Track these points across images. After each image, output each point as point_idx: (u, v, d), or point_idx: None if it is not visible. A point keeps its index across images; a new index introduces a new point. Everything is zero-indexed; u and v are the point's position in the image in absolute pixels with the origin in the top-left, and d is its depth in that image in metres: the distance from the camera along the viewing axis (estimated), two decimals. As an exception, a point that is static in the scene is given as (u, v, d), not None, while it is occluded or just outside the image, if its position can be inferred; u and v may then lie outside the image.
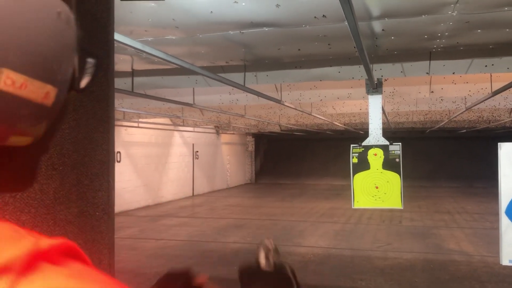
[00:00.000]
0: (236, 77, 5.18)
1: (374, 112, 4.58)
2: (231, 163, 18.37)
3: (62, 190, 1.12)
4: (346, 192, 13.72)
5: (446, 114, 10.43)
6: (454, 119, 10.84)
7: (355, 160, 4.55)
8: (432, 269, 6.01)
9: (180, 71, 5.12)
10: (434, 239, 7.81)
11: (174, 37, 3.56)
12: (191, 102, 6.69)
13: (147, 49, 2.93)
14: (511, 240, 3.39)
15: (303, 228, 9.11)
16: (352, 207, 4.49)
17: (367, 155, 4.54)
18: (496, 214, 3.64)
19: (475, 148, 18.09)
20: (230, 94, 7.16)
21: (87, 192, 1.21)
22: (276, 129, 15.01)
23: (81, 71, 0.46)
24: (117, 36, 2.60)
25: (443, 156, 18.64)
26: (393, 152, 4.48)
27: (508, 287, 5.16)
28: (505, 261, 3.31)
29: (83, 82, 0.47)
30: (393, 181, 4.44)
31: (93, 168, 1.24)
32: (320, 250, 7.13)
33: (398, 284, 5.34)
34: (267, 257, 0.87)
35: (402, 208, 4.41)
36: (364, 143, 4.49)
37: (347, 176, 6.10)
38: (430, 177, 17.99)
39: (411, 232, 8.50)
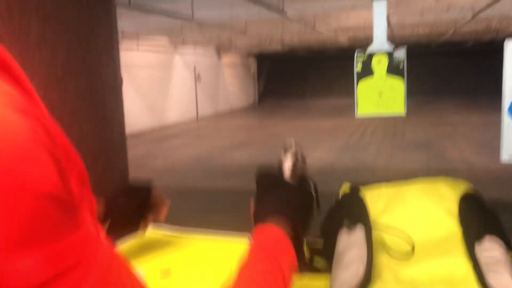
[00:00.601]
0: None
1: (378, 18, 4.46)
2: (233, 85, 18.27)
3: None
4: (349, 110, 13.69)
5: (453, 25, 10.14)
6: (461, 30, 10.56)
7: (359, 68, 4.50)
8: (434, 175, 6.16)
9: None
10: (437, 150, 7.93)
11: None
12: (190, 16, 6.52)
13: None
14: (511, 138, 3.44)
15: (307, 144, 9.24)
16: (355, 116, 4.51)
17: (371, 62, 4.49)
18: (499, 125, 3.66)
19: (480, 63, 17.82)
20: (229, 8, 6.95)
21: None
22: (279, 48, 14.74)
23: None
24: None
25: (448, 71, 18.42)
26: (398, 57, 4.41)
27: (508, 187, 5.31)
28: (505, 157, 3.37)
29: None
30: (397, 87, 4.42)
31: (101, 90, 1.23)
32: (325, 163, 7.28)
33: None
34: (293, 168, 0.77)
35: (405, 114, 4.43)
36: (368, 49, 4.42)
37: (350, 95, 6.03)
38: (434, 92, 17.91)
39: (414, 144, 8.62)
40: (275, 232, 0.65)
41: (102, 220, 0.87)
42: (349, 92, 8.73)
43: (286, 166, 0.76)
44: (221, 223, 1.38)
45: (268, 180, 0.76)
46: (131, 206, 0.93)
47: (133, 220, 0.94)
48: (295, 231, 0.67)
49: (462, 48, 16.73)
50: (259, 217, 0.69)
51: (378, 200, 0.94)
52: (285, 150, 0.78)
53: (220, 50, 15.91)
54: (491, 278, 0.71)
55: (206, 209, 4.59)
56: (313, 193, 0.76)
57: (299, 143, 0.81)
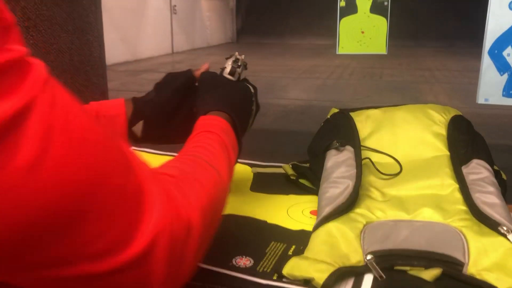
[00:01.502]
0: None
1: (365, -49, 4.32)
2: (211, 20, 17.74)
3: None
4: (328, 50, 13.56)
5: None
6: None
7: (342, 3, 4.40)
8: (408, 118, 6.25)
9: None
10: (413, 93, 8.00)
11: None
12: None
13: None
14: (489, 79, 3.47)
15: (285, 83, 9.18)
16: (336, 52, 4.46)
17: (355, -2, 4.39)
18: (476, 71, 3.66)
19: (461, 8, 17.71)
20: None
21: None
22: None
23: None
24: None
25: (428, 16, 18.27)
26: (382, -6, 4.33)
27: (481, 131, 5.43)
28: (481, 100, 3.42)
29: None
30: (380, 25, 4.37)
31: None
32: (302, 102, 7.28)
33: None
34: (234, 66, 0.83)
35: (385, 53, 4.40)
36: (352, -15, 4.31)
37: (330, 36, 5.96)
38: (414, 37, 17.84)
39: (391, 86, 8.66)
40: (217, 119, 0.68)
41: (132, 123, 0.78)
42: (329, 32, 8.59)
43: (227, 69, 0.82)
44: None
45: (209, 80, 0.80)
46: (165, 100, 0.80)
47: (171, 118, 0.81)
48: (235, 122, 0.70)
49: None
50: (201, 112, 0.70)
51: (366, 122, 0.93)
52: (227, 58, 0.84)
53: (198, -18, 15.30)
54: (476, 198, 0.71)
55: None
56: (253, 94, 0.81)
57: (243, 54, 0.86)
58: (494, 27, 3.37)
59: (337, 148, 0.83)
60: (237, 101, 0.75)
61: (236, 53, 0.85)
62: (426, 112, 0.92)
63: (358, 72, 10.10)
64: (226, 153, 0.61)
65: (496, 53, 3.41)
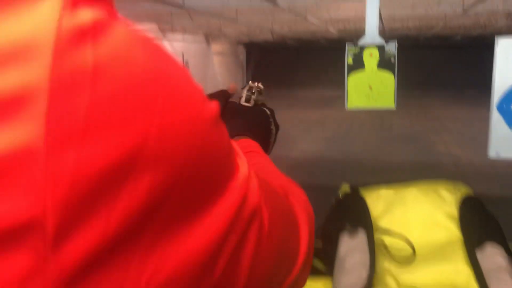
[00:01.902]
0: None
1: (371, 10, 4.43)
2: (222, 73, 18.17)
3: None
4: (337, 101, 13.69)
5: (442, 19, 10.18)
6: (450, 24, 10.61)
7: (350, 61, 4.48)
8: (421, 169, 6.21)
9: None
10: (424, 144, 8.00)
11: None
12: (181, 4, 6.43)
13: None
14: (500, 134, 3.46)
15: (295, 134, 9.25)
16: (346, 108, 4.51)
17: (362, 55, 4.47)
18: (486, 120, 3.66)
19: (468, 57, 17.96)
20: (221, -4, 6.87)
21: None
22: (269, 37, 14.66)
23: None
24: None
25: (436, 65, 18.54)
26: (389, 51, 4.41)
27: (491, 184, 5.38)
28: (492, 154, 3.40)
29: None
30: (387, 81, 4.41)
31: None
32: (312, 154, 7.31)
33: (386, 183, 5.53)
34: (248, 93, 0.89)
35: (394, 108, 4.44)
36: (360, 42, 4.40)
37: (339, 86, 6.01)
38: (422, 86, 18.02)
39: (401, 137, 8.68)
40: (247, 140, 0.73)
41: None
42: (338, 83, 8.71)
43: (243, 97, 0.89)
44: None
45: (229, 109, 0.85)
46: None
47: None
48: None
49: (451, 42, 16.84)
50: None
51: (378, 202, 0.93)
52: (243, 88, 0.91)
53: (209, 37, 15.79)
54: (493, 286, 0.70)
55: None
56: (269, 113, 0.88)
57: (258, 83, 0.93)
58: (501, 82, 3.39)
59: (349, 231, 0.83)
60: (255, 125, 0.81)
61: (250, 82, 0.92)
62: (437, 191, 0.92)
63: (368, 123, 10.16)
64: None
65: (505, 108, 3.42)
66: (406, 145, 7.92)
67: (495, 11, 8.59)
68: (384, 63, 4.36)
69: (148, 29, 11.95)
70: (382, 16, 8.98)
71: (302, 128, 10.11)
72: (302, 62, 19.84)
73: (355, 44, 4.31)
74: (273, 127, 0.86)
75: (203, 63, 16.38)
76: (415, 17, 10.10)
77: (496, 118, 3.49)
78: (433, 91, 17.70)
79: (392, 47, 4.29)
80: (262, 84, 0.94)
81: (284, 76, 20.05)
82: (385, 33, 12.94)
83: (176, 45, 14.17)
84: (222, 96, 0.87)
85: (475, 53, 17.31)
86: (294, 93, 19.42)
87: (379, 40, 4.25)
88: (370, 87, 4.44)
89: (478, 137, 8.52)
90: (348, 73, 4.47)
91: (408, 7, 8.48)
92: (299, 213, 0.49)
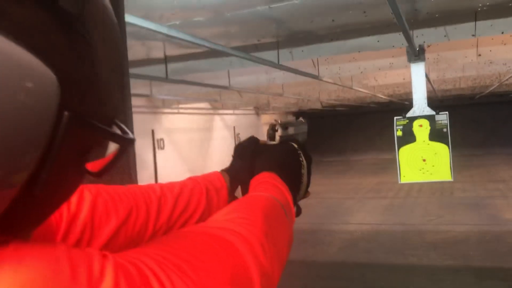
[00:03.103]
0: (270, 55, 5.03)
1: (417, 81, 4.33)
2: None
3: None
4: (393, 165, 13.30)
5: (496, 78, 9.85)
6: (506, 82, 10.23)
7: (399, 133, 4.34)
8: (487, 241, 5.74)
9: (213, 53, 5.04)
10: (489, 210, 7.47)
11: (202, 18, 3.47)
12: (227, 84, 6.61)
13: (173, 32, 2.85)
14: None
15: (349, 205, 8.95)
16: (399, 182, 4.30)
17: (412, 127, 4.31)
18: None
19: (529, 112, 17.17)
20: (266, 73, 7.02)
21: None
22: (317, 106, 14.75)
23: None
24: (139, 21, 2.53)
25: (495, 122, 17.78)
26: (440, 122, 4.23)
27: None
28: None
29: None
30: (442, 152, 4.21)
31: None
32: (369, 227, 6.97)
33: (452, 259, 5.13)
34: (271, 132, 0.94)
35: (452, 180, 4.18)
36: (408, 115, 4.27)
37: (393, 150, 5.84)
38: (482, 145, 17.24)
39: (463, 203, 8.17)
40: (269, 175, 0.78)
41: (233, 191, 0.90)
42: (392, 147, 8.51)
43: (266, 135, 0.94)
44: None
45: (258, 150, 0.91)
46: (247, 163, 0.92)
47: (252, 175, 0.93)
48: (284, 180, 0.79)
49: (508, 98, 16.20)
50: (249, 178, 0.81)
51: None
52: (268, 129, 0.95)
53: (258, 110, 16.11)
54: None
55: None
56: (297, 148, 0.89)
57: (279, 120, 0.97)
58: None
59: None
60: (281, 159, 0.85)
61: (273, 121, 0.97)
62: None
63: (427, 189, 9.70)
64: (276, 191, 0.72)
65: None
66: (470, 212, 7.43)
67: (553, 66, 8.21)
68: (436, 134, 4.18)
69: (200, 107, 12.39)
70: (432, 79, 8.81)
71: (356, 197, 9.80)
72: (353, 127, 19.70)
73: (404, 116, 4.18)
74: (302, 158, 0.88)
75: (254, 134, 16.56)
76: (467, 77, 9.85)
77: None
78: (494, 150, 16.86)
79: (443, 118, 4.12)
80: (284, 120, 0.98)
81: (336, 142, 19.91)
82: (437, 95, 12.67)
83: (227, 118, 14.53)
84: (251, 141, 0.95)
85: (537, 108, 16.53)
86: (348, 159, 19.15)
87: (429, 111, 4.10)
88: (424, 160, 4.24)
89: (550, 200, 7.89)
90: (398, 146, 4.31)
91: (457, 70, 8.29)
92: (247, 259, 0.47)
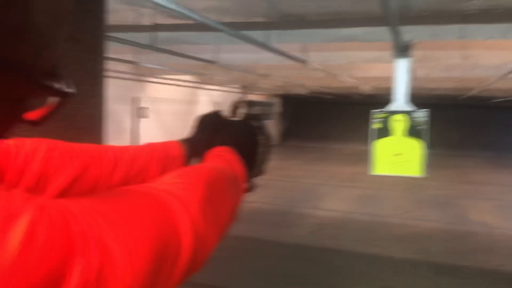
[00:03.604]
0: (260, 35, 5.03)
1: (400, 77, 4.41)
2: (257, 123, 18.33)
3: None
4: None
5: (480, 82, 10.02)
6: (488, 87, 10.41)
7: (376, 126, 4.43)
8: (450, 239, 5.93)
9: (203, 27, 5.02)
10: (456, 210, 7.68)
11: (194, -9, 3.46)
12: (215, 59, 6.60)
13: (163, 2, 2.85)
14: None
15: (323, 191, 9.09)
16: (369, 173, 4.41)
17: (390, 121, 4.40)
18: None
19: (508, 119, 17.51)
20: (254, 53, 7.01)
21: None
22: (303, 91, 14.80)
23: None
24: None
25: (475, 125, 18.12)
26: (418, 119, 4.32)
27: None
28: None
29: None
30: (416, 148, 4.31)
31: (80, 122, 1.20)
32: (339, 214, 7.12)
33: (413, 253, 5.29)
34: (235, 108, 0.96)
35: (422, 176, 4.30)
36: (387, 109, 4.35)
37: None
38: (459, 146, 17.58)
39: (433, 201, 8.38)
40: (224, 150, 0.81)
41: (189, 160, 0.92)
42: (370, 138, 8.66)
43: (230, 111, 0.95)
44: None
45: (207, 120, 0.95)
46: (207, 136, 0.95)
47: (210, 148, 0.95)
48: (239, 156, 0.82)
49: (490, 102, 16.49)
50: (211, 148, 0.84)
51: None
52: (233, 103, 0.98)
53: (245, 89, 16.08)
54: None
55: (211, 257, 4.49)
56: (257, 127, 0.92)
57: (246, 97, 1.04)
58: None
59: None
60: (239, 136, 0.88)
61: (238, 98, 1.03)
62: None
63: (401, 183, 9.88)
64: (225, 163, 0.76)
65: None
66: (438, 210, 7.63)
67: (535, 77, 8.38)
68: (412, 130, 4.28)
69: (187, 80, 12.32)
70: (416, 77, 8.92)
71: (332, 185, 9.95)
72: (337, 115, 19.84)
73: (382, 110, 4.26)
74: (261, 137, 0.91)
75: (238, 112, 16.60)
76: (451, 79, 9.99)
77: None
78: (471, 152, 17.21)
79: (421, 115, 4.21)
80: (254, 99, 1.02)
81: (318, 128, 20.05)
82: (421, 92, 12.83)
83: (212, 94, 14.49)
84: (214, 115, 0.97)
85: (516, 115, 16.88)
86: (328, 146, 19.32)
87: (408, 107, 4.19)
88: (397, 154, 4.34)
89: (516, 206, 8.15)
90: (374, 138, 4.40)
91: (443, 70, 8.40)
92: (181, 220, 0.49)
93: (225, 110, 1.01)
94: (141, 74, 9.99)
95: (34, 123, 0.41)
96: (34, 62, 0.37)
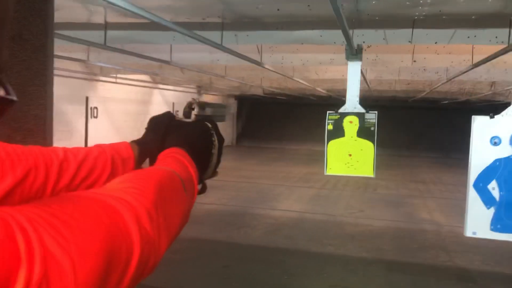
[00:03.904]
0: (215, 35, 5.01)
1: (352, 79, 4.50)
2: (212, 124, 18.24)
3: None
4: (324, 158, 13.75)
5: (428, 85, 10.40)
6: (436, 90, 10.83)
7: (330, 127, 4.50)
8: (401, 237, 6.11)
9: (157, 26, 4.93)
10: (407, 208, 7.94)
11: (147, -11, 3.39)
12: (169, 59, 6.51)
13: (115, 0, 2.77)
14: (476, 212, 3.42)
15: (279, 191, 9.16)
16: (325, 174, 4.48)
17: (342, 122, 4.49)
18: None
19: (455, 120, 18.27)
20: (210, 53, 6.97)
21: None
22: (259, 92, 14.86)
23: None
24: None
25: (423, 126, 18.80)
26: (369, 120, 4.43)
27: (473, 257, 5.29)
28: (469, 233, 3.34)
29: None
30: (367, 149, 4.42)
31: (27, 123, 1.14)
32: (294, 214, 7.19)
33: (366, 251, 5.42)
34: (187, 110, 0.96)
35: (374, 176, 4.41)
36: (340, 110, 4.43)
37: (326, 142, 6.07)
38: (409, 147, 18.19)
39: (384, 200, 8.62)
40: (176, 151, 0.81)
41: (141, 162, 0.91)
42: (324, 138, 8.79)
43: (181, 114, 0.96)
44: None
45: (158, 121, 0.94)
46: (159, 137, 0.93)
47: (162, 149, 0.93)
48: (192, 157, 0.82)
49: (439, 104, 17.16)
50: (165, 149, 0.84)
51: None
52: (185, 105, 0.97)
53: (200, 89, 15.97)
54: None
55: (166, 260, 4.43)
56: (211, 128, 0.92)
57: (198, 99, 0.99)
58: (477, 161, 3.39)
59: None
60: (193, 137, 0.88)
61: (191, 99, 0.98)
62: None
63: (353, 183, 10.12)
64: (177, 164, 0.75)
65: (481, 187, 3.40)
66: (390, 209, 7.85)
67: (479, 80, 8.80)
68: (364, 131, 4.38)
69: (140, 79, 12.08)
70: (368, 79, 9.16)
71: (286, 185, 10.04)
72: (292, 116, 20.05)
73: (336, 111, 4.33)
74: (214, 138, 0.91)
75: (193, 113, 16.45)
76: (401, 81, 10.31)
77: (472, 197, 3.45)
78: (419, 152, 17.85)
79: (372, 116, 4.32)
80: (203, 99, 1.01)
81: (274, 129, 20.20)
82: (372, 95, 13.18)
83: (167, 94, 14.30)
84: (166, 116, 0.96)
85: (462, 117, 17.62)
86: (283, 147, 19.51)
87: (359, 109, 4.28)
88: (350, 155, 4.43)
89: (461, 203, 8.49)
90: (328, 139, 4.47)
91: (394, 73, 8.66)
92: (130, 225, 0.49)
93: (178, 111, 1.00)
94: (92, 73, 9.72)
95: None
96: None
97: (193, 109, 0.96)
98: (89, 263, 0.40)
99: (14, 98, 0.39)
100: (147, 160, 0.92)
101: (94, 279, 0.41)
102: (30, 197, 0.67)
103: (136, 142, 0.93)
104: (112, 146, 0.88)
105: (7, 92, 0.39)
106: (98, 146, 0.85)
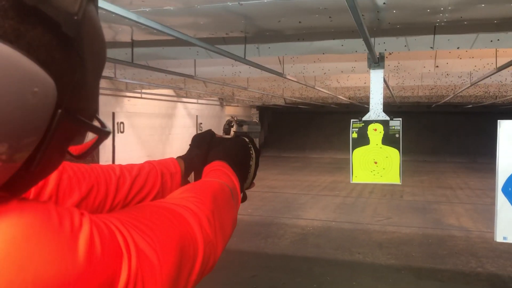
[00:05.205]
0: (238, 49, 5.12)
1: (375, 87, 4.53)
2: (235, 135, 18.35)
3: None
4: (348, 165, 13.61)
5: (452, 89, 10.31)
6: (460, 94, 10.72)
7: (354, 135, 4.53)
8: (430, 243, 6.06)
9: (181, 42, 5.07)
10: (434, 214, 7.85)
11: (172, 8, 3.51)
12: (193, 73, 6.64)
13: (141, 20, 2.89)
14: (506, 217, 3.40)
15: (304, 201, 9.17)
16: (351, 182, 4.50)
17: (367, 130, 4.51)
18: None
19: (480, 124, 17.97)
20: (232, 66, 7.09)
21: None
22: (281, 102, 14.93)
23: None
24: (109, 6, 2.56)
25: (448, 131, 18.54)
26: (393, 127, 4.44)
27: (504, 262, 5.21)
28: (499, 238, 3.32)
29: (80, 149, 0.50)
30: (392, 156, 4.43)
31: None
32: (320, 223, 7.19)
33: (395, 258, 5.39)
34: (226, 127, 1.06)
35: (400, 183, 4.41)
36: (364, 118, 4.46)
37: (349, 150, 6.08)
38: (434, 152, 17.94)
39: (411, 206, 8.54)
40: (220, 164, 0.89)
41: (187, 176, 1.00)
42: (348, 147, 8.79)
43: (223, 132, 1.05)
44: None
45: (201, 138, 1.04)
46: (203, 152, 1.03)
47: (205, 163, 1.02)
48: (233, 169, 0.89)
49: (463, 109, 16.92)
50: (208, 163, 0.92)
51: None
52: (225, 123, 1.07)
53: (223, 101, 16.14)
54: None
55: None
56: (249, 142, 1.01)
57: (236, 117, 1.10)
58: (505, 165, 3.38)
59: None
60: (233, 151, 0.95)
61: (230, 117, 1.09)
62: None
63: (379, 191, 10.05)
64: (225, 178, 0.83)
65: (510, 191, 3.38)
66: (417, 215, 7.78)
67: (504, 83, 8.69)
68: (388, 138, 4.40)
69: (164, 93, 12.30)
70: (391, 86, 9.13)
71: (311, 194, 10.04)
72: (314, 125, 20.04)
73: (360, 119, 4.36)
74: (252, 151, 1.00)
75: (217, 125, 16.61)
76: (424, 87, 10.25)
77: (502, 201, 3.43)
78: (445, 157, 17.59)
79: (396, 124, 4.33)
80: (239, 118, 1.11)
81: (296, 138, 20.22)
82: (395, 101, 13.10)
83: (190, 107, 14.49)
84: (208, 134, 1.06)
85: (488, 121, 17.33)
86: (306, 156, 19.48)
87: (383, 116, 4.30)
88: (375, 162, 4.45)
89: (489, 209, 8.35)
90: (353, 147, 4.50)
91: (416, 79, 8.62)
92: (195, 228, 0.58)
93: (202, 124, 1.11)
94: (118, 89, 9.96)
95: (77, 156, 0.48)
96: (85, 109, 0.47)
97: (232, 126, 1.05)
98: (170, 258, 0.49)
99: (109, 130, 0.48)
100: (192, 174, 1.00)
101: (174, 272, 0.50)
102: (92, 211, 0.76)
103: (182, 158, 1.02)
104: (161, 162, 0.96)
105: (102, 125, 0.48)
106: (149, 163, 0.94)
